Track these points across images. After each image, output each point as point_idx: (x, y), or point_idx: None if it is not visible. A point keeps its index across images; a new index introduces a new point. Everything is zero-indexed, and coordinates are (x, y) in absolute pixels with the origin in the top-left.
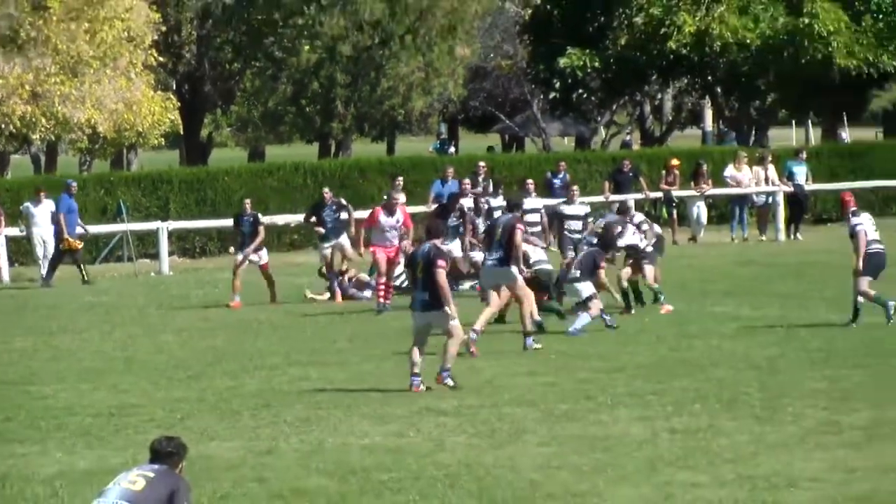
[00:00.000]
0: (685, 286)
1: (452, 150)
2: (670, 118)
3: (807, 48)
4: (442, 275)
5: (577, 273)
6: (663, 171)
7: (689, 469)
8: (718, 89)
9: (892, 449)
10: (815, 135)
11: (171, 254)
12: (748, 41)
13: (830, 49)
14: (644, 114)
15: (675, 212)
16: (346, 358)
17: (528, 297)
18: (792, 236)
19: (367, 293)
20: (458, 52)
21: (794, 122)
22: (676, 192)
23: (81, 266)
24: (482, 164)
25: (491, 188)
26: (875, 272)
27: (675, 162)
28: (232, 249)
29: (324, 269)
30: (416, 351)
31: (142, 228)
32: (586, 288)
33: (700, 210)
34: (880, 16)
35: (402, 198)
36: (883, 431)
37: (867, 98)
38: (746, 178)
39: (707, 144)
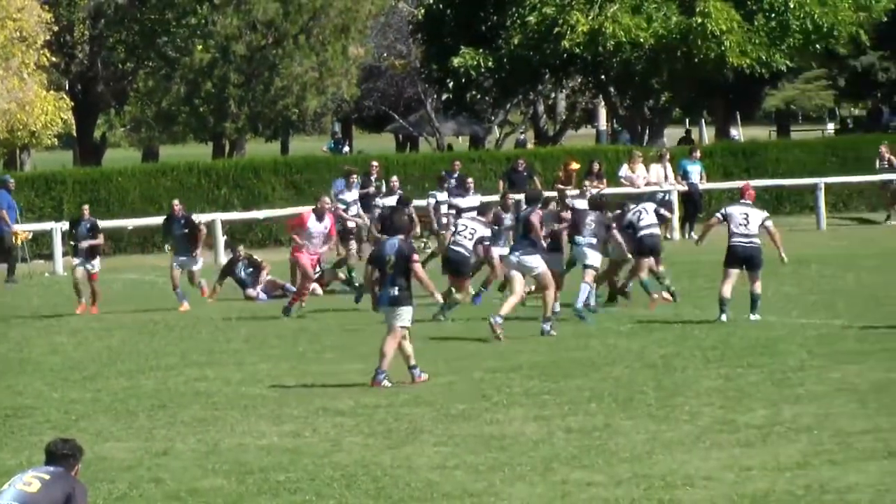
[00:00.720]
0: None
1: (347, 149)
2: (564, 117)
3: (700, 47)
4: (420, 268)
5: (593, 240)
6: (560, 173)
7: (584, 468)
8: (612, 88)
9: (787, 448)
10: (708, 134)
11: (64, 254)
12: (641, 40)
13: (723, 48)
14: (538, 113)
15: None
16: (243, 358)
17: (551, 286)
18: (686, 235)
19: (263, 297)
20: (351, 51)
21: (687, 121)
22: (569, 191)
23: (13, 264)
24: (375, 163)
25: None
26: (732, 264)
27: (574, 165)
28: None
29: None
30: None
31: (36, 229)
32: (594, 257)
33: None
34: (773, 15)
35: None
36: (778, 430)
37: (760, 97)
38: (640, 177)
39: (601, 143)
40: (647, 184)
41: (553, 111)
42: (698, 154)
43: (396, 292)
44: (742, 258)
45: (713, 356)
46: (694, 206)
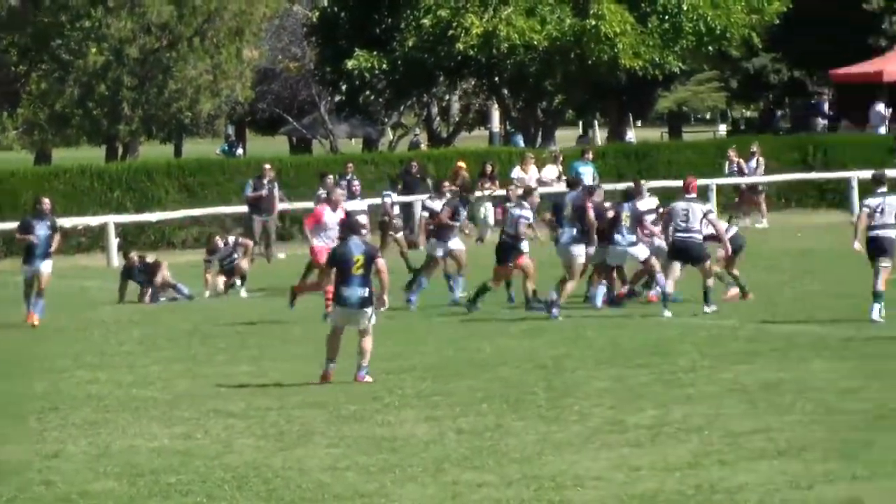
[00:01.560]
0: (474, 286)
1: (240, 151)
2: (457, 119)
3: (593, 49)
4: (385, 267)
5: (632, 237)
6: (452, 172)
7: (475, 469)
8: (505, 90)
9: (675, 448)
10: (601, 135)
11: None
12: (535, 43)
13: (616, 50)
14: (431, 115)
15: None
16: (135, 361)
17: (576, 276)
18: None
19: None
20: (245, 54)
21: (580, 122)
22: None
23: None
24: (268, 166)
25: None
26: (673, 258)
27: (461, 163)
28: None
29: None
30: (333, 348)
31: None
32: (641, 251)
33: (487, 211)
34: (666, 17)
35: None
36: (667, 430)
37: (653, 98)
38: (533, 178)
39: (494, 145)
40: (540, 184)
41: (446, 113)
42: (590, 156)
43: (367, 293)
44: (681, 252)
45: (604, 357)
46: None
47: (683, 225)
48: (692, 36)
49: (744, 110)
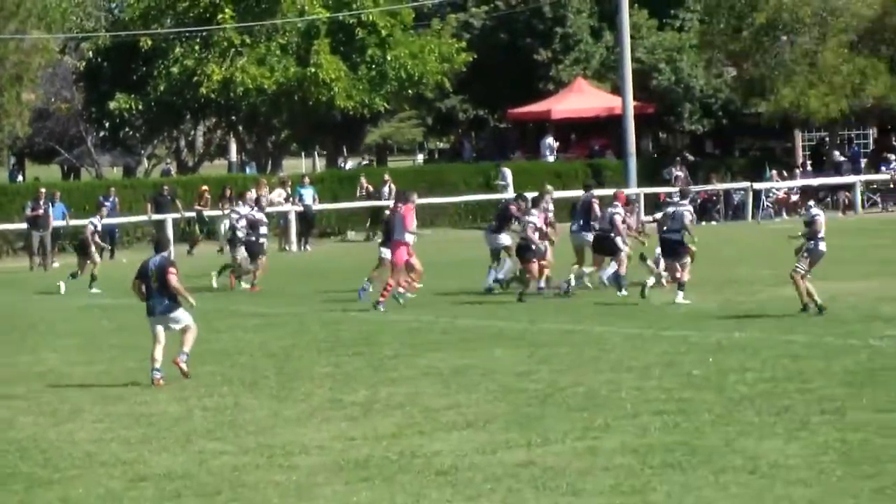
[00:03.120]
0: (212, 289)
1: (21, 178)
2: (202, 151)
3: (313, 92)
4: (175, 279)
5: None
6: (196, 195)
7: (218, 440)
8: (241, 127)
9: (384, 421)
10: (320, 163)
11: None
12: (265, 87)
13: (333, 93)
14: (180, 147)
15: (206, 228)
16: None
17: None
18: (302, 248)
19: None
20: (24, 97)
21: (303, 153)
22: (207, 212)
23: None
24: (43, 189)
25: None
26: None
27: (204, 187)
28: None
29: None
30: (158, 349)
31: None
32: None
33: (226, 227)
34: (374, 66)
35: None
36: (377, 407)
37: (363, 133)
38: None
39: (232, 172)
40: (271, 204)
41: (192, 146)
42: (307, 180)
43: (167, 302)
44: (595, 245)
45: (325, 347)
46: (308, 224)
47: (599, 224)
48: (395, 81)
49: (437, 142)
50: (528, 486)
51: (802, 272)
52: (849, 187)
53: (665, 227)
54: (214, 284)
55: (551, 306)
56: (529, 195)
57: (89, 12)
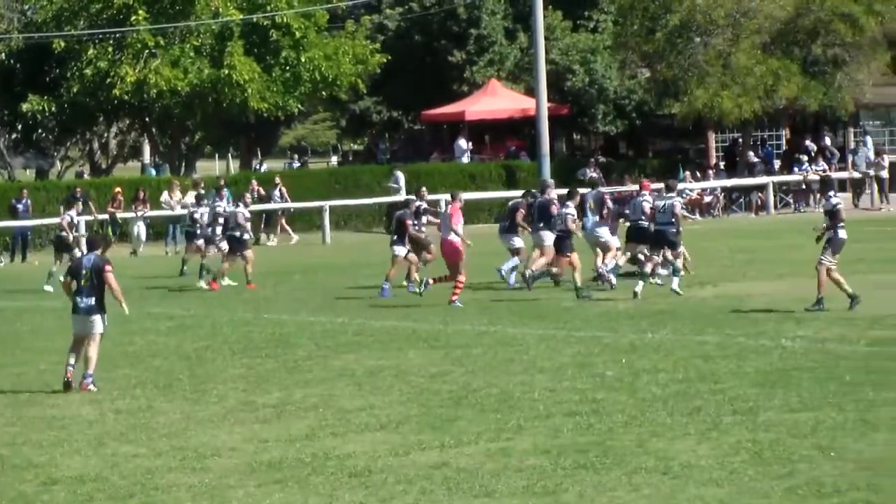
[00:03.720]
0: (128, 292)
1: None
2: (115, 153)
3: (227, 94)
4: (112, 277)
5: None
6: (110, 197)
7: (130, 442)
8: (155, 129)
9: (297, 423)
10: (234, 165)
11: None
12: (179, 89)
13: (246, 95)
14: (93, 149)
15: (119, 230)
16: None
17: (612, 248)
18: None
19: None
20: None
21: (217, 155)
22: (120, 214)
23: None
24: None
25: None
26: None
27: (118, 189)
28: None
29: None
30: (74, 353)
31: None
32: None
33: (140, 229)
34: (287, 67)
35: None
36: (290, 409)
37: (277, 135)
38: (177, 201)
39: (146, 174)
40: (183, 207)
41: (106, 148)
42: (223, 182)
43: (93, 302)
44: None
45: (238, 349)
46: (225, 224)
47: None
48: (309, 83)
49: (352, 144)
50: (440, 487)
51: (829, 265)
52: (762, 188)
53: (656, 220)
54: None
55: (467, 308)
56: (557, 191)
57: (1, 14)
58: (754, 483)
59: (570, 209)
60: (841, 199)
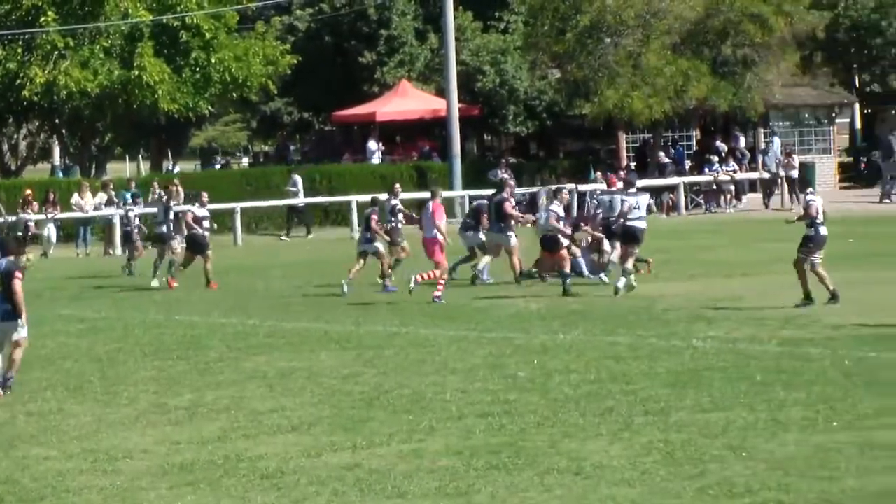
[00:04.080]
0: (39, 294)
1: None
2: (25, 154)
3: (137, 95)
4: (19, 285)
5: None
6: (20, 199)
7: (41, 445)
8: (65, 130)
9: (209, 425)
10: (145, 167)
11: None
12: (89, 90)
13: (157, 96)
14: (2, 150)
15: (30, 234)
16: None
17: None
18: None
19: None
20: None
21: (127, 157)
22: (32, 217)
23: None
24: None
25: None
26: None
27: (28, 191)
28: None
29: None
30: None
31: None
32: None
33: (51, 231)
34: (198, 68)
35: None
36: (201, 411)
37: (188, 136)
38: (89, 203)
39: (56, 176)
40: (95, 208)
41: (15, 149)
42: (133, 184)
43: (9, 308)
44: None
45: (149, 351)
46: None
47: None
48: (220, 84)
49: (263, 145)
50: (353, 488)
51: (813, 261)
52: (672, 188)
53: (627, 216)
54: (165, 284)
55: (379, 308)
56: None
57: None
58: (666, 483)
59: (556, 207)
60: (817, 198)
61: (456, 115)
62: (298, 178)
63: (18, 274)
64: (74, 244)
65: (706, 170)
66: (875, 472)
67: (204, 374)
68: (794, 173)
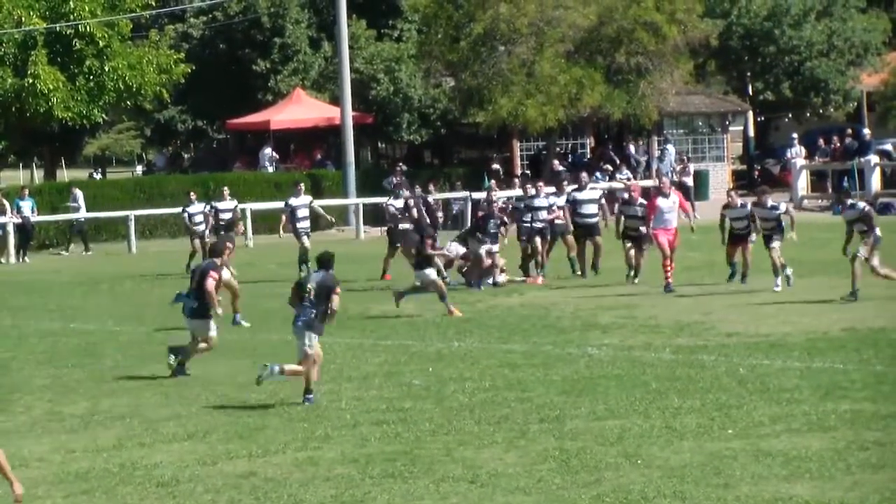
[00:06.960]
0: None
1: None
2: None
3: (31, 103)
4: None
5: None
6: None
7: None
8: None
9: (105, 433)
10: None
11: None
12: None
13: (50, 104)
14: None
15: None
16: None
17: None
18: (21, 260)
19: None
20: None
21: (21, 164)
22: None
23: None
24: None
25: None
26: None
27: None
28: None
29: None
30: None
31: None
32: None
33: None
34: (91, 76)
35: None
36: (98, 419)
37: (81, 144)
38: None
39: None
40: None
41: None
42: (27, 192)
43: None
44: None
45: (44, 359)
46: (26, 236)
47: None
48: (113, 92)
49: (157, 153)
50: (249, 496)
51: (872, 259)
52: None
53: (580, 212)
54: None
55: (274, 317)
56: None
57: None
58: (562, 491)
59: (560, 202)
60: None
61: (350, 123)
62: (79, 193)
63: None
64: None
65: (598, 178)
66: (769, 479)
67: (99, 383)
68: (689, 181)
